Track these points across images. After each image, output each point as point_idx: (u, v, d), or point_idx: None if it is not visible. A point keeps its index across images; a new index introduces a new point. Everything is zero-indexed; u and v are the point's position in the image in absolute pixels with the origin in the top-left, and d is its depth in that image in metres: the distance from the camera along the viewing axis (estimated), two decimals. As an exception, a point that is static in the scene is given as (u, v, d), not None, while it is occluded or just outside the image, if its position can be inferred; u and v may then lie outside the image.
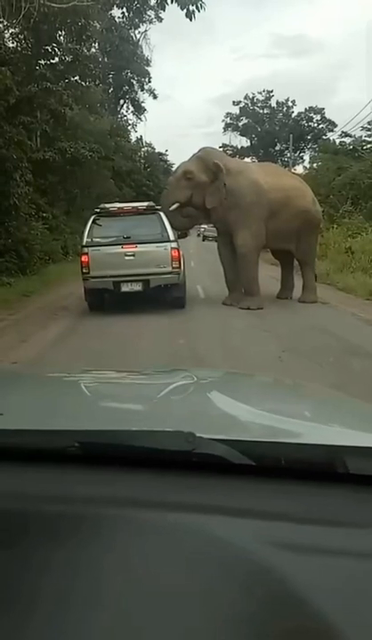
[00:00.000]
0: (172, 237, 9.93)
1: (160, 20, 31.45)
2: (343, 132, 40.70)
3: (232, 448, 0.95)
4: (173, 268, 9.89)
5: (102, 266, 9.77)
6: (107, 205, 10.61)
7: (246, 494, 0.94)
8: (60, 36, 13.26)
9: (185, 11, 11.03)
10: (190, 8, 11.00)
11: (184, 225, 10.79)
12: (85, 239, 10.17)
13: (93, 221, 10.24)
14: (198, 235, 35.19)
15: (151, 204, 10.77)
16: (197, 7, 10.99)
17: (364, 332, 8.12)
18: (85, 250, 10.03)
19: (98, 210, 10.46)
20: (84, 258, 9.96)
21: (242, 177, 10.43)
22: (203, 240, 33.13)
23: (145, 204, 10.70)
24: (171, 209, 10.34)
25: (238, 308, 10.13)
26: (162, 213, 10.21)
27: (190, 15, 11.05)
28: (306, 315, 9.69)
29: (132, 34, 35.24)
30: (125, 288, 9.90)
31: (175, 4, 11.23)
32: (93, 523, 0.85)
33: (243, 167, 11.18)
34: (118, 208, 10.42)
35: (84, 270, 9.93)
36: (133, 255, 9.87)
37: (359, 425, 1.37)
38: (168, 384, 1.85)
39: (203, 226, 11.14)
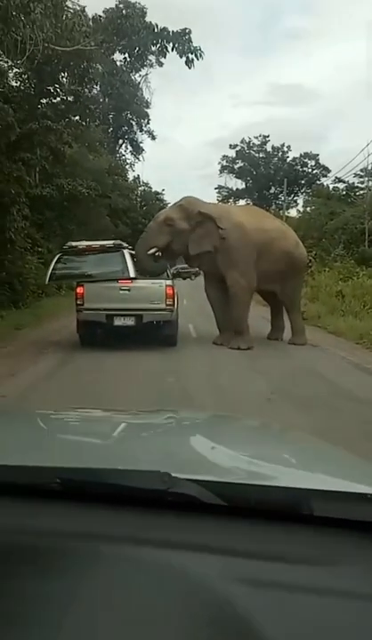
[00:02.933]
0: (132, 274, 9.99)
1: (161, 64, 32.50)
2: (336, 177, 41.64)
3: (205, 488, 0.98)
4: (167, 305, 9.97)
5: (97, 299, 9.84)
6: (74, 243, 10.68)
7: (217, 532, 0.97)
8: (62, 77, 13.59)
9: (184, 58, 11.41)
10: (190, 57, 11.39)
11: (155, 269, 10.78)
12: (48, 275, 10.34)
13: (58, 259, 10.34)
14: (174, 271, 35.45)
15: (118, 242, 10.89)
16: (196, 56, 11.39)
17: (352, 376, 8.14)
18: (81, 282, 10.11)
19: (65, 247, 10.60)
20: (79, 289, 10.03)
21: (226, 221, 10.65)
22: (179, 277, 33.77)
23: (111, 242, 10.79)
24: (149, 253, 10.55)
25: (229, 348, 10.16)
26: (126, 251, 10.32)
27: (188, 63, 11.43)
28: (296, 357, 9.72)
29: (132, 76, 36.19)
30: (118, 322, 9.93)
31: (175, 52, 11.62)
32: (69, 556, 0.89)
33: (225, 211, 11.41)
34: (85, 246, 10.49)
35: (78, 302, 9.99)
36: (129, 290, 9.97)
37: (330, 470, 1.40)
38: (151, 424, 1.89)
39: (177, 265, 11.36)
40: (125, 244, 10.80)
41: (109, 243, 10.65)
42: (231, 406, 6.07)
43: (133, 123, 42.67)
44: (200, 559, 0.88)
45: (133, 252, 10.59)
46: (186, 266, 13.39)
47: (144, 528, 0.97)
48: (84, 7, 11.47)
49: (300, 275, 12.02)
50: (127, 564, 0.86)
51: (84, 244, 10.60)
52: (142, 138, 43.97)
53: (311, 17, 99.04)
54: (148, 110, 41.84)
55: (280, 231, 11.47)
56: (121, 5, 11.32)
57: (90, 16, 12.55)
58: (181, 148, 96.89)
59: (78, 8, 11.08)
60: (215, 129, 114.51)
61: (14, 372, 7.82)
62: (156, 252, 10.59)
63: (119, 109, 39.66)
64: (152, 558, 0.88)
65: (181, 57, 11.34)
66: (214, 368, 8.52)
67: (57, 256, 10.48)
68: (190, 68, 11.34)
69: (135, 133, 43.61)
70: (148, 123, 42.62)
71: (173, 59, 12.16)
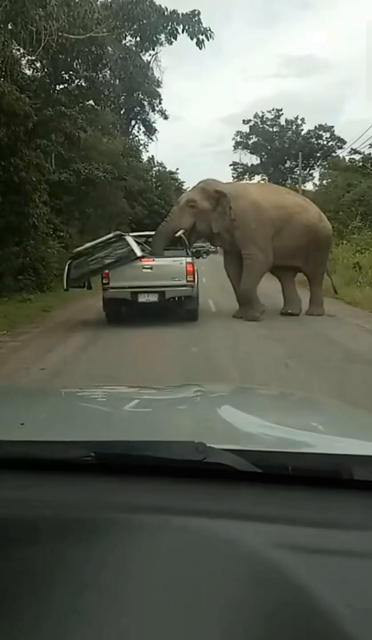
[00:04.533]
0: (138, 253, 10.45)
1: (171, 42, 32.41)
2: (352, 148, 40.94)
3: (241, 457, 1.00)
4: (187, 281, 10.46)
5: (121, 277, 10.37)
6: (79, 249, 11.19)
7: (254, 500, 0.98)
8: (76, 64, 13.92)
9: (195, 40, 11.66)
10: (200, 37, 11.64)
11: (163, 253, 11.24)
12: (65, 282, 10.86)
13: (69, 266, 10.82)
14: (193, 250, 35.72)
15: (117, 232, 11.41)
16: (206, 37, 11.63)
17: (366, 341, 8.58)
18: None
19: (72, 255, 11.16)
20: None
21: (242, 199, 11.07)
22: (197, 257, 34.37)
23: (112, 234, 11.21)
24: (177, 235, 11.12)
25: (245, 320, 10.59)
26: (127, 236, 10.86)
27: (199, 44, 11.69)
28: (313, 326, 10.16)
29: (142, 56, 36.17)
30: (142, 299, 10.47)
31: (185, 34, 11.88)
32: (109, 528, 0.90)
33: (241, 190, 11.82)
34: (90, 246, 10.91)
35: (104, 281, 10.54)
36: (151, 268, 10.48)
37: (363, 435, 1.43)
38: (180, 397, 1.92)
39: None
40: (124, 233, 11.43)
41: (110, 236, 11.08)
42: (251, 371, 6.53)
43: (145, 103, 42.57)
44: (244, 527, 0.90)
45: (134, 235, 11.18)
46: (200, 244, 13.80)
47: (182, 498, 0.99)
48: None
49: (325, 248, 12.17)
50: (170, 535, 0.87)
51: (87, 245, 11.04)
52: (155, 118, 43.86)
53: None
54: (159, 90, 41.74)
55: (300, 206, 11.73)
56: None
57: (100, 3, 12.84)
58: (193, 125, 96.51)
59: (89, -4, 11.32)
60: (228, 105, 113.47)
61: (50, 349, 8.36)
62: (183, 233, 11.10)
63: (130, 90, 39.58)
64: (195, 527, 0.89)
65: (191, 39, 11.61)
66: (235, 338, 8.97)
67: (67, 264, 10.93)
68: (200, 48, 11.62)
69: (147, 114, 43.56)
70: (160, 102, 42.48)
71: (182, 37, 12.40)
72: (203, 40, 11.63)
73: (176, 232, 11.14)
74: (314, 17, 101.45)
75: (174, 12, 11.99)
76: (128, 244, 10.44)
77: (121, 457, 1.06)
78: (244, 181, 50.89)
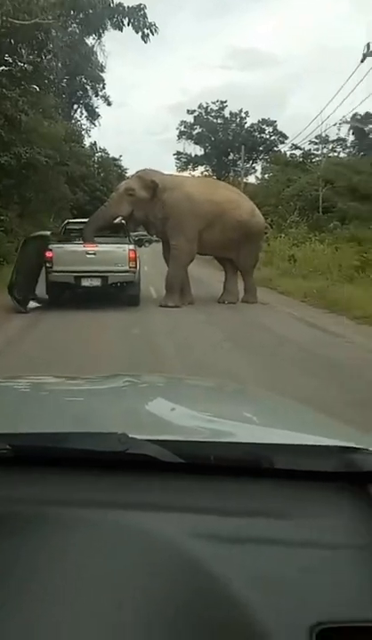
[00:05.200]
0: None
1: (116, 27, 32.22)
2: (293, 144, 41.94)
3: (163, 448, 0.99)
4: (130, 267, 10.89)
5: (65, 262, 10.70)
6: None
7: (178, 491, 0.99)
8: (20, 48, 13.93)
9: (140, 33, 11.96)
10: (145, 31, 11.94)
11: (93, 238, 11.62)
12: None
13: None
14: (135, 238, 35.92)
15: (41, 232, 12.37)
16: (151, 31, 11.94)
17: (294, 327, 9.28)
18: (50, 247, 10.96)
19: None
20: (48, 254, 10.84)
21: (178, 191, 11.60)
22: (139, 246, 34.99)
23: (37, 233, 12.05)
24: (116, 222, 11.60)
25: (158, 306, 11.16)
26: (48, 232, 11.75)
27: (144, 38, 12.00)
28: (247, 313, 10.82)
29: (86, 39, 35.87)
30: (85, 283, 10.85)
31: (131, 27, 12.15)
32: (28, 522, 0.88)
33: (179, 182, 12.38)
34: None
35: (47, 265, 10.81)
36: (94, 254, 10.84)
37: (288, 424, 1.46)
38: (107, 388, 1.87)
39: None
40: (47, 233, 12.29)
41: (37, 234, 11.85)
42: (188, 353, 7.02)
43: (88, 87, 41.97)
44: (162, 518, 0.90)
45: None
46: (143, 233, 14.22)
47: (104, 490, 0.98)
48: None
49: (255, 242, 12.83)
50: (87, 527, 0.87)
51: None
52: (98, 103, 43.42)
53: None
54: (103, 75, 41.34)
55: (234, 201, 12.27)
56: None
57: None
58: (138, 112, 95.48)
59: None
60: (174, 93, 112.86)
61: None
62: (120, 221, 11.52)
63: (74, 74, 39.03)
64: (113, 520, 0.88)
65: (137, 32, 11.89)
66: (174, 323, 9.48)
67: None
68: (145, 42, 11.94)
69: (90, 98, 42.90)
70: (103, 87, 41.97)
71: (128, 28, 12.63)
72: (148, 34, 11.94)
73: (114, 218, 11.56)
74: (264, 9, 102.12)
75: (120, 4, 12.22)
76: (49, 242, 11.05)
77: (39, 449, 1.03)
78: (187, 172, 51.43)
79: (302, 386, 5.16)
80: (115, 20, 12.30)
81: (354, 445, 1.04)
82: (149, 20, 11.78)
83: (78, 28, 14.01)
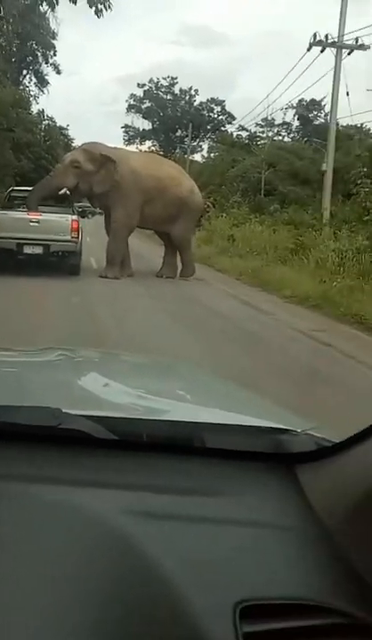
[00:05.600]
0: None
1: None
2: (240, 125, 42.41)
3: (97, 424, 0.99)
4: (72, 237, 11.32)
5: (8, 228, 11.02)
6: None
7: (110, 467, 0.99)
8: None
9: (93, 8, 12.18)
10: (99, 6, 12.17)
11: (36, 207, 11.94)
12: None
13: None
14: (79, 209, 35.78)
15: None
16: (105, 6, 12.18)
17: (224, 301, 10.04)
18: None
19: None
20: None
21: (122, 165, 11.98)
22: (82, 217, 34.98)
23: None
24: (60, 193, 11.92)
25: (98, 277, 11.61)
26: None
27: (97, 13, 12.22)
28: (182, 287, 11.52)
29: (38, 5, 35.02)
30: (28, 250, 11.20)
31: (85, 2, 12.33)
32: None
33: (124, 156, 12.70)
34: None
35: None
36: (38, 222, 11.21)
37: (220, 403, 1.48)
38: (40, 361, 1.87)
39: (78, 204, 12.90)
40: None
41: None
42: (124, 320, 7.59)
43: (39, 54, 41.23)
44: (94, 494, 0.90)
45: None
46: (86, 204, 14.54)
47: (35, 465, 0.97)
48: None
49: (192, 218, 13.31)
50: (18, 502, 0.86)
51: None
52: (48, 70, 42.67)
53: None
54: (54, 42, 40.56)
55: (174, 178, 12.78)
56: None
57: None
58: (88, 82, 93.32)
59: None
60: (125, 65, 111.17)
61: None
62: (65, 192, 11.82)
63: (25, 40, 38.17)
64: (44, 495, 0.88)
65: (90, 7, 12.09)
66: (113, 293, 10.01)
67: None
68: (98, 17, 12.15)
69: (40, 65, 42.16)
70: (54, 54, 41.33)
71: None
72: (101, 10, 12.17)
73: (59, 189, 11.87)
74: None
75: (75, -25, 12.37)
76: None
77: None
78: (134, 145, 51.27)
79: (225, 354, 5.88)
80: (68, -7, 12.43)
81: (284, 427, 1.07)
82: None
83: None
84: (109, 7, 12.11)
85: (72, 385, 1.57)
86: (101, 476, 0.97)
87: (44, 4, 14.38)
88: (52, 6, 13.78)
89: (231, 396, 1.68)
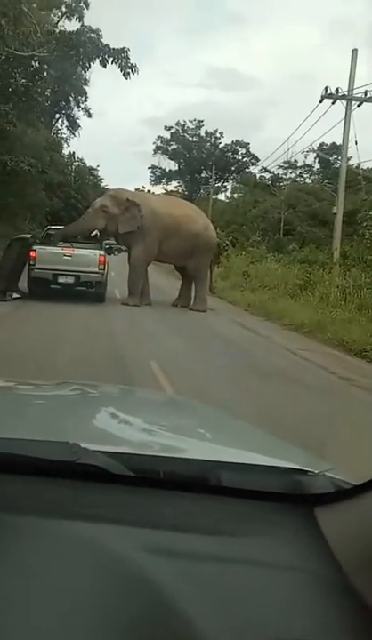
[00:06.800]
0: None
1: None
2: (263, 167, 43.58)
3: (113, 459, 1.01)
4: (99, 269, 13.07)
5: (46, 261, 12.82)
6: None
7: (127, 504, 1.00)
8: (15, 72, 15.78)
9: (122, 72, 13.96)
10: (127, 71, 13.95)
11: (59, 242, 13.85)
12: None
13: None
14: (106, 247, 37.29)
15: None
16: (131, 70, 13.95)
17: (231, 328, 11.51)
18: (34, 247, 13.08)
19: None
20: (32, 253, 12.97)
21: (143, 207, 13.63)
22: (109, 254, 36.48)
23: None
24: (92, 235, 13.90)
25: (121, 304, 13.18)
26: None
27: (126, 76, 14.00)
28: (192, 314, 13.09)
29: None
30: (61, 280, 12.99)
31: (115, 65, 14.14)
32: None
33: (144, 199, 14.49)
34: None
35: (31, 263, 12.93)
36: (70, 256, 13.02)
37: (234, 442, 1.52)
38: (56, 395, 1.91)
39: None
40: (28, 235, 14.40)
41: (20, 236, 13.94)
42: (142, 340, 8.98)
43: (71, 98, 43.60)
44: (110, 530, 0.90)
45: None
46: (113, 242, 16.22)
47: (53, 500, 0.98)
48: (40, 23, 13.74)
49: (207, 253, 14.77)
50: (36, 537, 0.86)
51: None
52: (79, 114, 44.90)
53: (253, 2, 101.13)
54: (86, 87, 42.85)
55: (189, 217, 14.38)
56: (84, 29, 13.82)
57: (46, 29, 14.85)
58: (116, 123, 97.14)
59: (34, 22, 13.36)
60: (150, 107, 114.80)
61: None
62: (96, 234, 13.75)
63: (57, 84, 40.40)
64: (61, 530, 0.89)
65: (120, 70, 13.88)
66: (131, 317, 11.56)
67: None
68: (126, 79, 13.95)
69: (72, 109, 44.43)
70: (85, 100, 43.60)
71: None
72: (128, 73, 13.95)
73: (92, 231, 13.76)
74: (244, 32, 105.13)
75: (107, 45, 14.22)
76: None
77: None
78: (160, 185, 53.51)
79: (222, 364, 7.27)
80: (100, 58, 14.27)
81: (302, 467, 1.08)
82: (131, 62, 13.83)
83: (69, 61, 15.84)
84: (136, 71, 13.88)
85: (89, 420, 1.60)
86: (118, 512, 0.97)
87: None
88: (85, 70, 15.54)
89: (246, 434, 1.72)
